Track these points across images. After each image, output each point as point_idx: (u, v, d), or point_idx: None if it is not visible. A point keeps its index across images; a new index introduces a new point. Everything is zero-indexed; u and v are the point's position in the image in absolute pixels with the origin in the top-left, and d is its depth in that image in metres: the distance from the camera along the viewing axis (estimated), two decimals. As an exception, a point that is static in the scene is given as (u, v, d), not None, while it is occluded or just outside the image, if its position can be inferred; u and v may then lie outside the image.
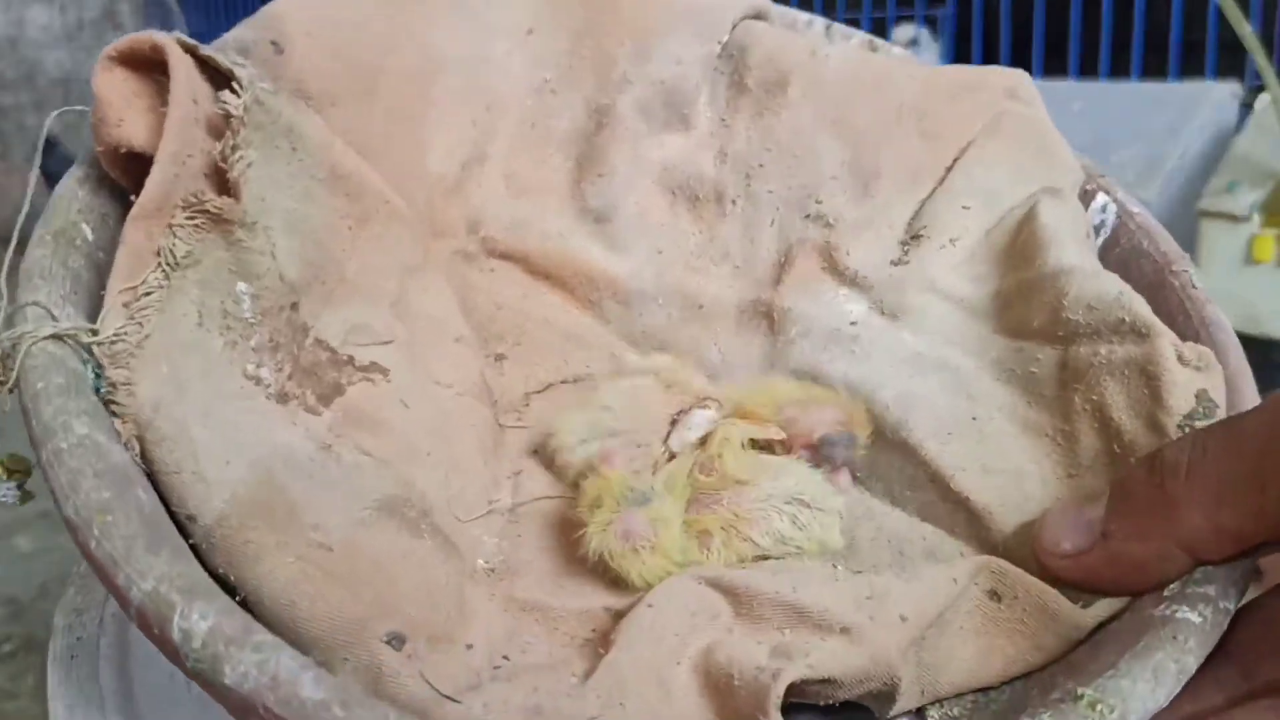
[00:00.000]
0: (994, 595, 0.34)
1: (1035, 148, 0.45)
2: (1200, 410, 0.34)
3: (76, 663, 0.34)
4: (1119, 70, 2.37)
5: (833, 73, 0.46)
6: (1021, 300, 0.41)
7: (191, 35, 0.33)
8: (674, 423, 0.41)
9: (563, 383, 0.45)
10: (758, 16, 0.49)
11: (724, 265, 0.47)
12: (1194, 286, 0.40)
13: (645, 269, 0.47)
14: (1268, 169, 1.67)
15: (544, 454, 0.42)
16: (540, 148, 0.49)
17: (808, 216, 0.46)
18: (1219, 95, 1.97)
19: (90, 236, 0.35)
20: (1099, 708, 0.27)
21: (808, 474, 0.38)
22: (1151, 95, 2.05)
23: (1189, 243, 1.70)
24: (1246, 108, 1.95)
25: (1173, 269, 0.41)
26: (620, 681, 0.30)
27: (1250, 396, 0.36)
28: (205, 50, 0.34)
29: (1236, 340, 0.38)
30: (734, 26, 0.48)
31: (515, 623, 0.35)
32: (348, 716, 0.24)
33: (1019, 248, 0.42)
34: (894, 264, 0.44)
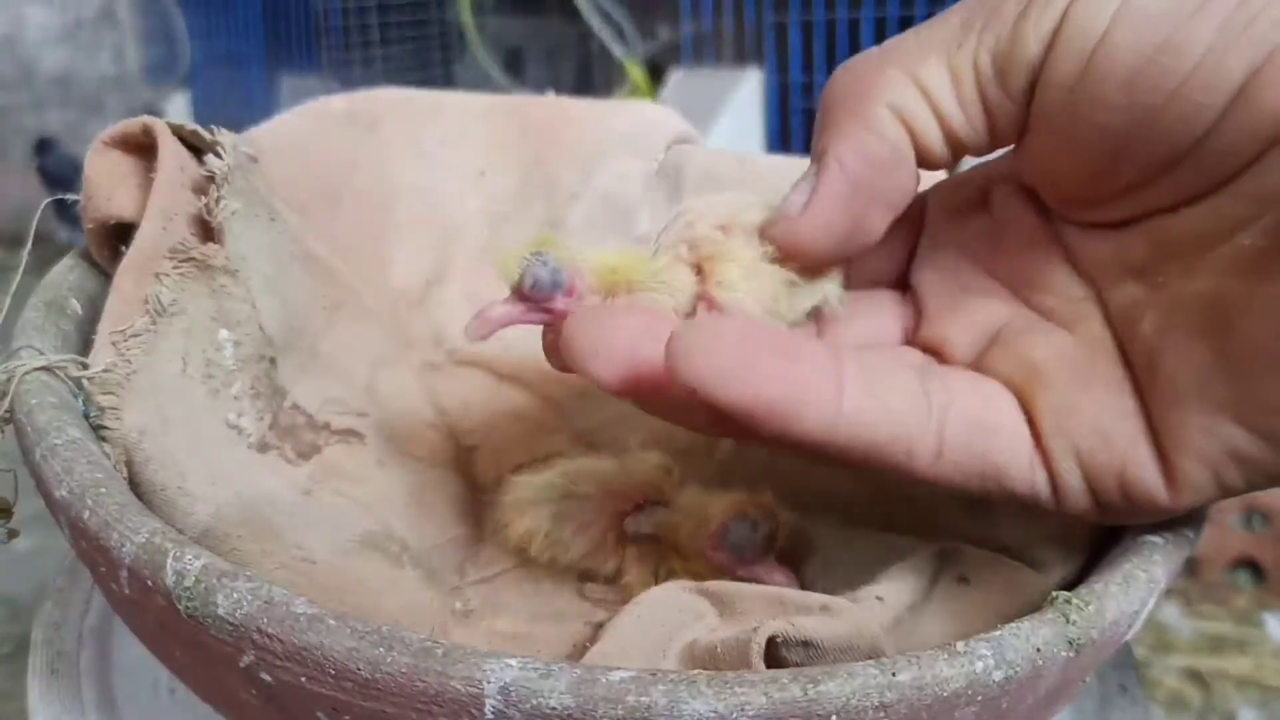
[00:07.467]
0: (963, 580, 0.35)
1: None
2: None
3: (57, 677, 0.33)
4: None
5: (765, 174, 0.51)
6: None
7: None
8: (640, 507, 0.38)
9: (534, 461, 0.46)
10: (684, 141, 0.54)
11: None
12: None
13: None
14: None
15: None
16: (498, 269, 0.52)
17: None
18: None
19: (80, 311, 0.37)
20: (1074, 601, 0.27)
21: None
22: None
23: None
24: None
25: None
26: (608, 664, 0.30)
27: None
28: (190, 126, 0.37)
29: None
30: (667, 148, 0.53)
31: (495, 647, 0.34)
32: (340, 625, 0.24)
33: None
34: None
